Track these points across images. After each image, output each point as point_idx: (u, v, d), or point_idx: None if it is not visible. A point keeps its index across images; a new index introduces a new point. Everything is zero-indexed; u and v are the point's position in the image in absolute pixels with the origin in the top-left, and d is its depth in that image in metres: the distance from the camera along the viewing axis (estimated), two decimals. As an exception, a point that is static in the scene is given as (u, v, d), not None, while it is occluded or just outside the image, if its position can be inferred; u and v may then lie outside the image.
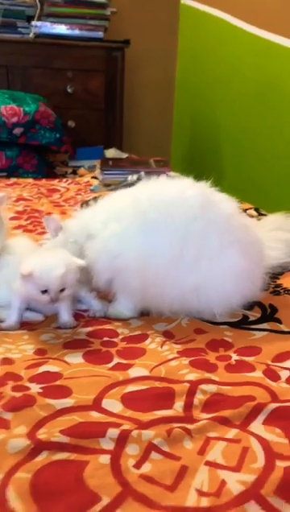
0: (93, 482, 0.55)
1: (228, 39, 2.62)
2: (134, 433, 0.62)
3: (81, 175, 2.28)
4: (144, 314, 1.01)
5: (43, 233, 1.42)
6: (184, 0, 3.10)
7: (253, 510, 0.51)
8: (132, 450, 0.60)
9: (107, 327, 0.96)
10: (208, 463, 0.58)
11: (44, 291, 0.89)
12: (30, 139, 2.18)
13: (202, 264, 0.95)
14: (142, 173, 2.05)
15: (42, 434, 0.63)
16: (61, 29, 2.65)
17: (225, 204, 1.03)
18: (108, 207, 1.06)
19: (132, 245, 0.96)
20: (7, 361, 0.82)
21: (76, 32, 2.68)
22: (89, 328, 0.95)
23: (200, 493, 0.53)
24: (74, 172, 2.36)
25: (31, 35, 2.59)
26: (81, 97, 2.71)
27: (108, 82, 2.76)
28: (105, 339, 0.91)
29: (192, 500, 0.52)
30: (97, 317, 1.00)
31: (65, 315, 0.97)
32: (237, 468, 0.57)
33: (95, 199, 1.62)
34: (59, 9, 2.65)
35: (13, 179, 2.11)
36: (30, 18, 2.63)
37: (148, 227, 0.96)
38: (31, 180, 2.12)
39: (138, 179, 2.02)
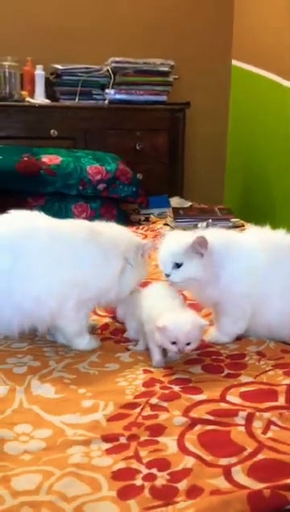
0: (238, 440, 0.85)
1: (276, 97, 2.98)
2: (257, 414, 0.92)
3: (154, 222, 2.62)
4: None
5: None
6: (235, 62, 3.50)
7: None
8: (257, 424, 0.90)
9: (211, 349, 1.26)
10: (310, 433, 0.87)
11: (173, 343, 1.11)
12: (111, 193, 2.54)
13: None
14: (210, 220, 2.37)
15: (194, 414, 0.93)
16: (131, 95, 3.06)
17: None
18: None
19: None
20: (148, 371, 1.13)
21: (144, 97, 3.08)
22: (198, 351, 1.25)
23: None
24: (146, 219, 2.70)
25: (106, 101, 3.01)
26: (148, 152, 3.09)
27: (171, 139, 3.14)
28: (214, 357, 1.21)
29: (304, 451, 0.82)
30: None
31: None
32: None
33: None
34: (129, 78, 3.05)
35: (98, 227, 2.47)
36: (103, 87, 3.05)
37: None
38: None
39: (207, 225, 2.36)
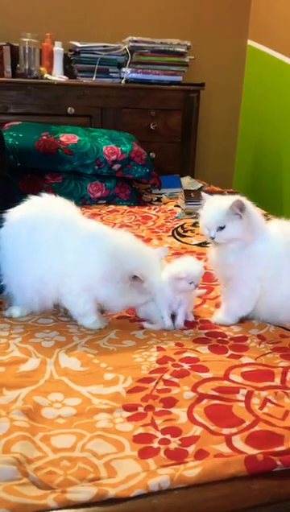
0: (238, 414, 1.00)
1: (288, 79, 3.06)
2: (256, 392, 1.08)
3: (165, 203, 2.75)
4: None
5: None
6: (251, 43, 3.55)
7: None
8: (255, 401, 1.06)
9: (217, 330, 1.41)
10: (300, 410, 1.03)
11: (190, 283, 1.37)
12: (125, 173, 2.66)
13: None
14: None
15: (201, 390, 1.09)
16: (147, 74, 3.14)
17: None
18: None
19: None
20: (161, 349, 1.29)
21: (160, 77, 3.16)
22: (205, 330, 1.41)
23: (299, 423, 0.99)
24: (158, 199, 2.83)
25: (122, 80, 3.09)
26: (162, 132, 3.19)
27: (184, 119, 3.23)
28: (219, 338, 1.36)
29: (295, 425, 0.98)
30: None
31: (180, 319, 1.43)
32: (318, 412, 1.02)
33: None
34: (145, 57, 3.12)
35: (112, 207, 2.60)
36: (120, 65, 3.13)
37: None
38: (126, 207, 2.60)
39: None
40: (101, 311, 1.49)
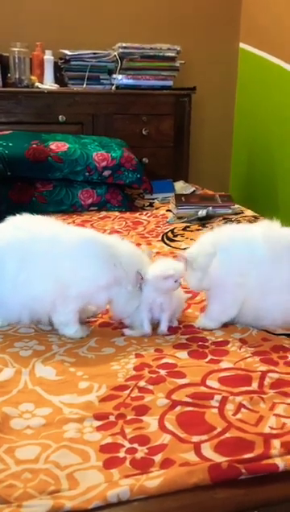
0: (211, 421, 0.98)
1: (282, 82, 3.03)
2: (231, 398, 1.06)
3: (157, 208, 2.73)
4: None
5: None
6: (243, 45, 3.54)
7: (301, 436, 0.93)
8: (230, 407, 1.03)
9: (199, 335, 1.39)
10: (275, 414, 1.01)
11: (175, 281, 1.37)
12: (116, 179, 2.65)
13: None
14: (210, 208, 2.49)
15: (175, 397, 1.07)
16: (138, 80, 3.13)
17: None
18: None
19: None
20: (139, 356, 1.27)
21: (150, 82, 3.15)
22: (187, 336, 1.39)
23: (272, 428, 0.96)
24: (150, 204, 2.81)
25: (113, 87, 3.09)
26: (154, 137, 3.18)
27: (176, 123, 3.22)
28: (200, 343, 1.34)
29: (267, 430, 0.95)
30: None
31: (163, 326, 1.41)
32: (293, 417, 0.99)
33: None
34: (136, 63, 3.12)
35: (103, 213, 2.59)
36: (111, 72, 3.13)
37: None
38: (117, 213, 2.59)
39: (207, 213, 2.47)
40: (84, 319, 1.47)
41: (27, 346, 1.32)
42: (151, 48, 3.11)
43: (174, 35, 3.27)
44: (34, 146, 2.58)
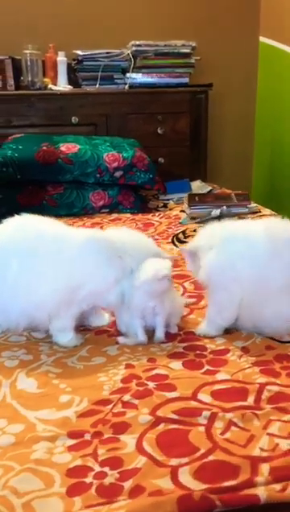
0: (194, 441, 0.88)
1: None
2: (220, 414, 0.95)
3: (171, 209, 2.63)
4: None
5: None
6: (263, 39, 3.40)
7: (295, 461, 0.82)
8: (218, 424, 0.93)
9: (198, 343, 1.29)
10: (268, 434, 0.90)
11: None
12: (128, 180, 2.57)
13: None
14: (225, 207, 2.37)
15: (160, 413, 0.97)
16: (152, 78, 3.05)
17: None
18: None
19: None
20: (130, 366, 1.18)
21: (165, 80, 3.06)
22: (185, 344, 1.29)
23: (262, 450, 0.85)
24: (165, 205, 2.71)
25: (126, 86, 3.01)
26: (170, 136, 3.08)
27: (193, 121, 3.11)
28: (198, 352, 1.24)
29: (256, 453, 0.84)
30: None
31: (159, 332, 1.31)
32: (287, 437, 0.88)
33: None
34: (150, 61, 3.04)
35: (114, 215, 2.51)
36: (125, 71, 3.05)
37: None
38: (129, 215, 2.50)
39: (221, 213, 2.35)
40: (79, 326, 1.39)
41: (15, 356, 1.25)
42: (166, 45, 3.03)
43: (189, 31, 3.17)
44: (44, 148, 2.53)
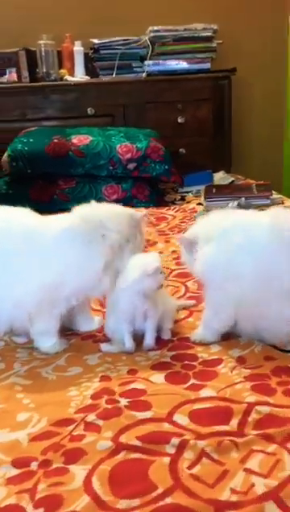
0: (154, 476, 0.73)
1: None
2: (192, 442, 0.80)
3: (188, 202, 2.47)
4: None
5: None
6: (293, 18, 3.17)
7: (270, 508, 0.65)
8: (188, 455, 0.78)
9: (189, 351, 1.13)
10: (246, 469, 0.74)
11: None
12: (142, 172, 2.42)
13: None
14: (243, 199, 2.19)
15: (123, 438, 0.83)
16: (171, 65, 2.88)
17: None
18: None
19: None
20: (106, 379, 1.04)
21: (185, 66, 2.89)
22: (174, 352, 1.14)
23: (233, 491, 0.69)
24: (182, 199, 2.55)
25: (144, 74, 2.86)
26: (191, 125, 2.91)
27: (215, 109, 2.93)
28: (186, 362, 1.09)
29: (225, 496, 0.69)
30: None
31: (149, 338, 1.17)
32: (266, 475, 0.72)
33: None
34: (168, 47, 2.87)
35: (128, 209, 2.37)
36: (143, 59, 2.90)
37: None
38: (143, 209, 2.35)
39: (239, 204, 2.17)
40: (66, 330, 1.27)
41: (-13, 364, 1.13)
42: (185, 29, 2.86)
43: (209, 13, 2.98)
44: (55, 141, 2.42)
